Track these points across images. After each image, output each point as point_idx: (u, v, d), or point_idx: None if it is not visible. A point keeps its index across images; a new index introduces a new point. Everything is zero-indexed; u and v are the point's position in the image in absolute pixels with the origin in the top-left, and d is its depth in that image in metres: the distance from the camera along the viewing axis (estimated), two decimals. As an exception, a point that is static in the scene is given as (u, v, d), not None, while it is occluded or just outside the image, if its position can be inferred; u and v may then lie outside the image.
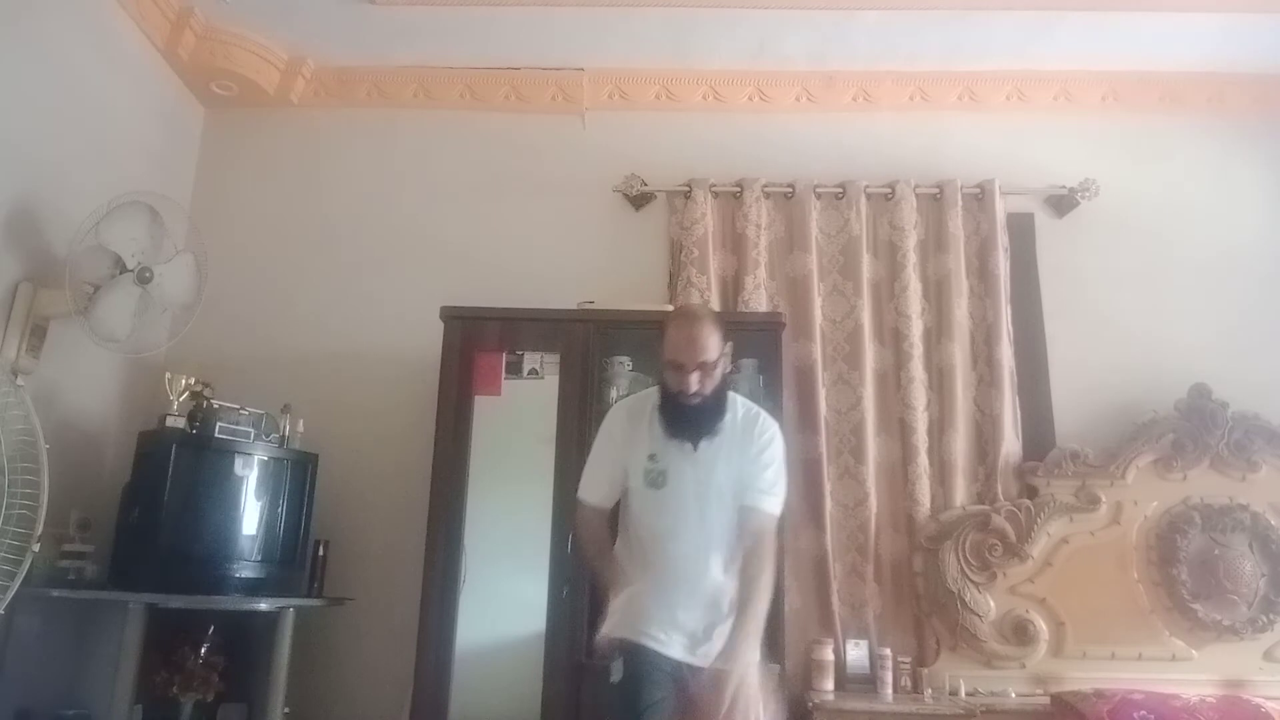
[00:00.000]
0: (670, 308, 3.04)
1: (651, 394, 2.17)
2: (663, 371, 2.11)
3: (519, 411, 3.02)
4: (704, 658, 1.96)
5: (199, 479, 2.85)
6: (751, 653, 1.90)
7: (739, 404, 2.17)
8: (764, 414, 2.19)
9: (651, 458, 2.08)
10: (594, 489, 2.16)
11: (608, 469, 2.15)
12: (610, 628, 2.02)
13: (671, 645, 1.97)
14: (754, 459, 2.09)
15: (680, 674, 1.96)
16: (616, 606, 2.05)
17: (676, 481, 2.06)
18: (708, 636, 1.99)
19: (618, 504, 2.16)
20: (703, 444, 2.08)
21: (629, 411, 2.19)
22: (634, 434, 2.13)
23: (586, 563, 2.28)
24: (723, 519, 2.06)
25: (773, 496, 2.07)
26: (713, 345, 2.04)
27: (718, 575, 2.03)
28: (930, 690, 3.01)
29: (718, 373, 2.07)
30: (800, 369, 3.35)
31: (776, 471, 2.09)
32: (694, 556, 2.02)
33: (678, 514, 2.05)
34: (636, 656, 1.94)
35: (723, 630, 1.98)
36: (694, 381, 2.03)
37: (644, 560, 2.05)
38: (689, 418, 2.06)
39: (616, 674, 1.97)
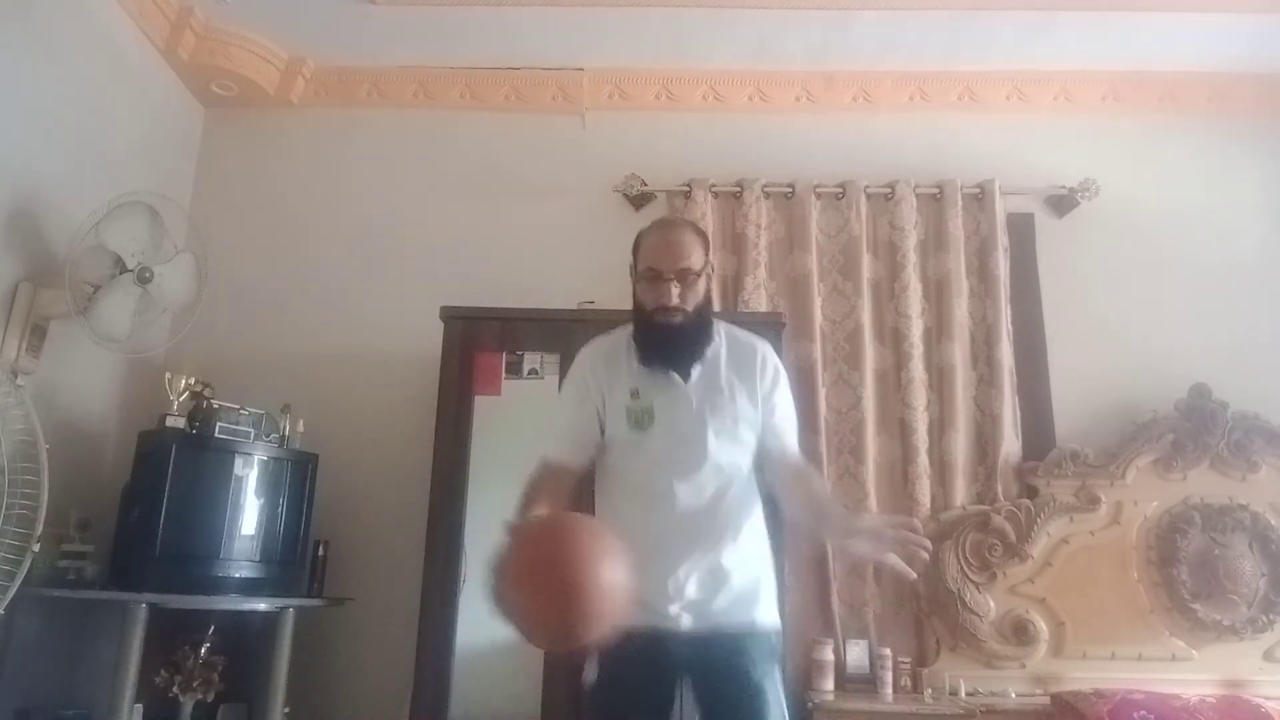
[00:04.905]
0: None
1: (625, 329, 1.86)
2: (635, 289, 1.81)
3: (519, 411, 3.02)
4: (704, 621, 1.67)
5: (199, 479, 2.85)
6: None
7: (725, 330, 1.86)
8: (761, 342, 1.88)
9: (634, 394, 1.75)
10: (563, 442, 1.79)
11: (581, 418, 1.79)
12: None
13: (664, 615, 1.67)
14: (763, 399, 1.80)
15: (678, 650, 1.66)
16: None
17: (666, 419, 1.74)
18: (709, 596, 1.69)
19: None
20: (695, 372, 1.78)
21: (600, 350, 1.86)
22: (610, 373, 1.80)
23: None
24: (725, 460, 1.75)
25: (792, 438, 1.85)
26: (695, 252, 1.76)
27: (720, 530, 1.73)
28: (930, 690, 3.01)
29: (701, 288, 1.77)
30: (800, 369, 3.34)
31: (792, 415, 1.87)
32: (690, 509, 1.71)
33: (669, 458, 1.74)
34: (617, 646, 1.52)
35: (728, 592, 1.70)
36: (673, 293, 1.72)
37: (627, 525, 1.67)
38: (669, 340, 1.76)
39: (591, 673, 1.66)
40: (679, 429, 1.75)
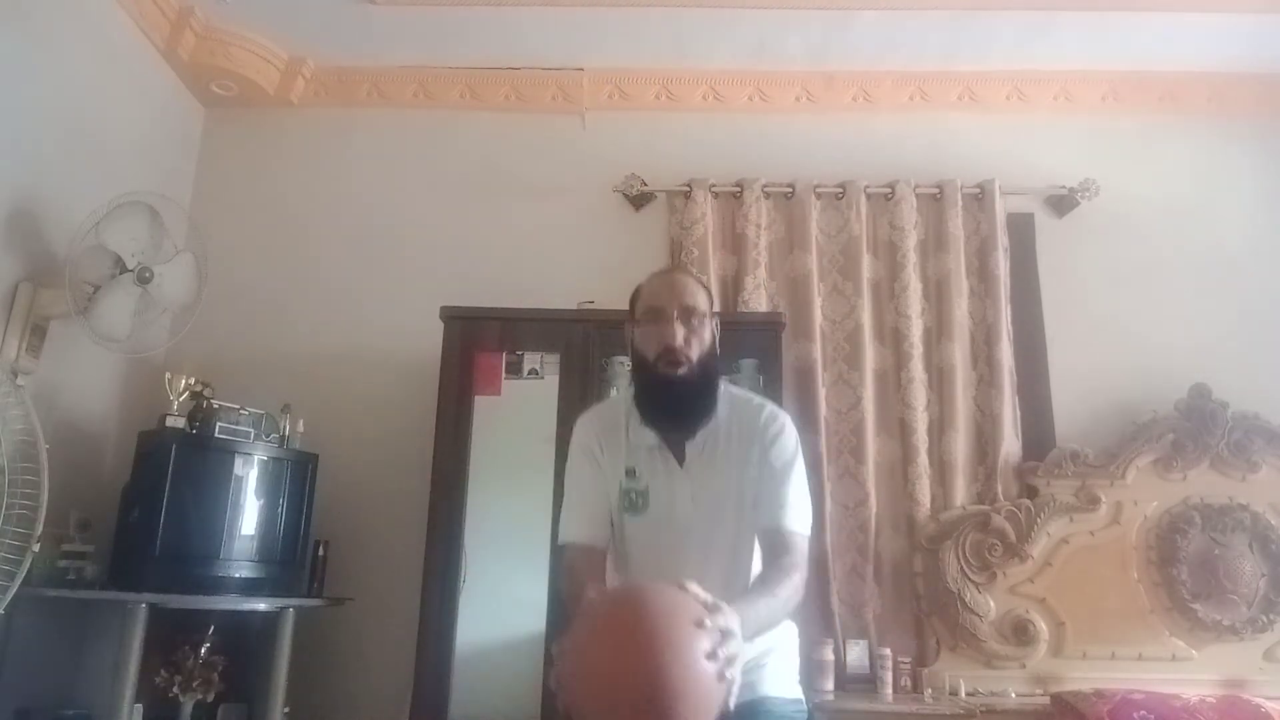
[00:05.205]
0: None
1: (623, 398, 1.75)
2: (634, 342, 1.66)
3: (519, 411, 3.02)
4: None
5: (199, 479, 2.84)
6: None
7: (732, 394, 1.72)
8: (768, 404, 1.72)
9: (629, 473, 1.64)
10: (576, 524, 1.64)
11: (590, 494, 1.66)
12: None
13: None
14: (764, 463, 1.62)
15: None
16: None
17: (660, 503, 1.62)
18: None
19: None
20: (690, 449, 1.64)
21: (599, 420, 1.74)
22: (609, 447, 1.67)
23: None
24: (726, 548, 1.61)
25: (797, 510, 1.60)
26: (699, 294, 1.64)
27: None
28: (930, 690, 3.00)
29: (706, 336, 1.63)
30: (800, 369, 3.35)
31: (798, 477, 1.64)
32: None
33: (664, 548, 1.61)
34: None
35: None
36: (678, 334, 1.58)
37: None
38: (674, 396, 1.60)
39: None
40: (675, 514, 1.62)
